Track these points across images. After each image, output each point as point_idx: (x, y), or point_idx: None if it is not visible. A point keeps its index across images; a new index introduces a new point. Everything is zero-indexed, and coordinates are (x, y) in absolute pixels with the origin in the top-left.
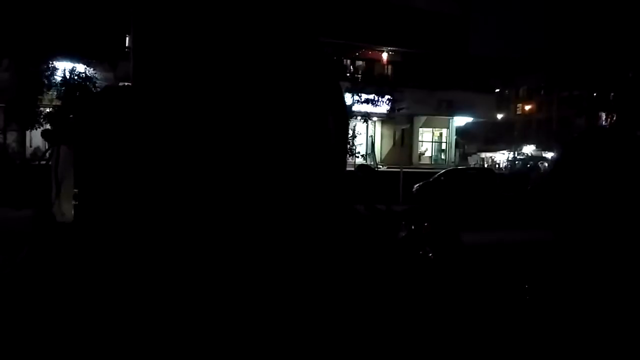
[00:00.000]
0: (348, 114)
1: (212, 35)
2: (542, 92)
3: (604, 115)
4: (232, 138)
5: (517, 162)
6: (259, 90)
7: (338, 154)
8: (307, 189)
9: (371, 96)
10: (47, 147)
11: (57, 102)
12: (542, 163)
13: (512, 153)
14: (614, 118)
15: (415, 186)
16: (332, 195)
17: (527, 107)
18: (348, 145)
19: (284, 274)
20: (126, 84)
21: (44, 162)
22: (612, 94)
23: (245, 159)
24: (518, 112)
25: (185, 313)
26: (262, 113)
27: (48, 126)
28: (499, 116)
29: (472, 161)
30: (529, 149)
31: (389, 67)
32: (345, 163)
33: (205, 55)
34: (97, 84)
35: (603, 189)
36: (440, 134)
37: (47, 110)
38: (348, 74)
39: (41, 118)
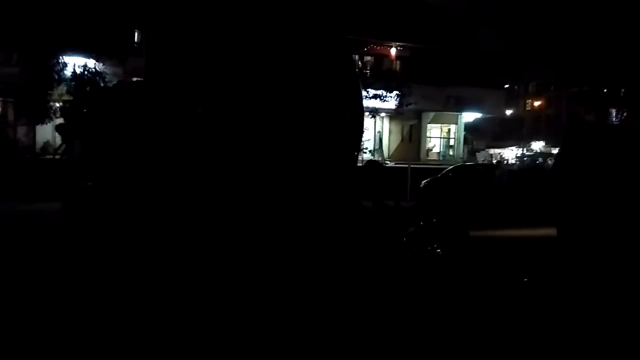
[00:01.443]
0: (363, 111)
1: (229, 33)
2: (552, 88)
3: (614, 112)
4: (246, 134)
5: (525, 159)
6: (276, 87)
7: (352, 149)
8: (321, 183)
9: (379, 92)
10: (61, 142)
11: (66, 97)
12: (550, 159)
13: (521, 149)
14: (625, 114)
15: (423, 182)
16: (345, 190)
17: (536, 103)
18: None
19: (298, 267)
20: (136, 79)
21: (57, 157)
22: (622, 89)
23: (259, 154)
24: (527, 108)
25: (196, 305)
26: (279, 110)
27: (59, 121)
28: (508, 112)
29: (480, 157)
30: (538, 145)
31: (397, 62)
32: (356, 158)
33: (220, 52)
34: (106, 79)
35: (600, 181)
36: (449, 130)
37: (57, 105)
38: (356, 69)
39: (51, 112)
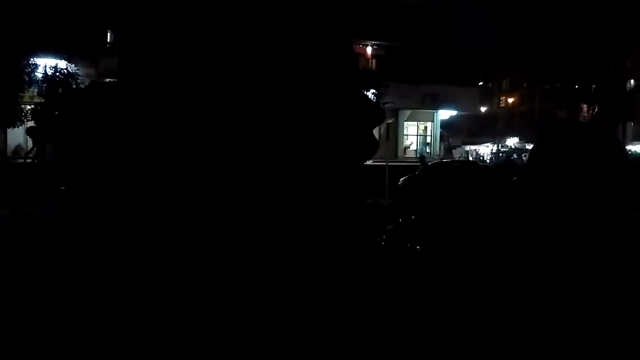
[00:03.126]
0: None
1: (204, 30)
2: (525, 85)
3: (585, 107)
4: (223, 137)
5: (500, 155)
6: (256, 87)
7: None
8: (323, 185)
9: None
10: (32, 146)
11: (38, 99)
12: (525, 155)
13: (495, 145)
14: (596, 110)
15: (401, 180)
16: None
17: (510, 100)
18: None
19: (283, 271)
20: (109, 80)
21: (29, 161)
22: (593, 86)
23: (237, 157)
24: (501, 105)
25: (177, 313)
26: (257, 112)
27: (31, 124)
28: (483, 109)
29: (456, 154)
30: (512, 141)
31: (374, 61)
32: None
33: (194, 50)
34: (79, 81)
35: (572, 180)
36: (425, 128)
37: (28, 107)
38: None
39: (22, 115)
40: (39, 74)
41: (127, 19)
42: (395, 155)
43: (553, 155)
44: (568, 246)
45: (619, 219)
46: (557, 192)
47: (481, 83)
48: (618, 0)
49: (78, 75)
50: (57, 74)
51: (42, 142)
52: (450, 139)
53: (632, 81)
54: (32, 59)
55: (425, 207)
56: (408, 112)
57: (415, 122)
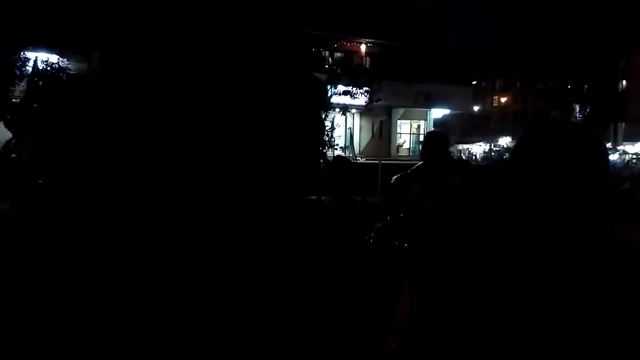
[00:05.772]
0: (320, 117)
1: (179, 30)
2: (518, 85)
3: (577, 107)
4: (195, 130)
5: (493, 154)
6: (227, 86)
7: (308, 152)
8: (271, 183)
9: (349, 88)
10: (10, 139)
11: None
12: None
13: (488, 145)
14: (588, 110)
15: (394, 178)
16: (300, 189)
17: (503, 99)
18: (324, 141)
19: (243, 267)
20: (93, 74)
21: (5, 155)
22: (585, 86)
23: (208, 151)
24: (494, 104)
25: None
26: (229, 108)
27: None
28: (476, 108)
29: None
30: (505, 141)
31: (367, 59)
32: (314, 159)
33: (171, 48)
34: (70, 75)
35: (548, 177)
36: (418, 126)
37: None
38: (326, 66)
39: (12, 110)
40: (30, 67)
41: (108, 17)
42: (388, 154)
43: (533, 152)
44: (540, 241)
45: (594, 215)
46: (533, 189)
47: (475, 82)
48: (611, 0)
49: (69, 69)
50: (48, 68)
51: (21, 135)
52: None
53: (624, 81)
54: (23, 53)
55: (416, 204)
56: (401, 111)
57: (409, 121)
